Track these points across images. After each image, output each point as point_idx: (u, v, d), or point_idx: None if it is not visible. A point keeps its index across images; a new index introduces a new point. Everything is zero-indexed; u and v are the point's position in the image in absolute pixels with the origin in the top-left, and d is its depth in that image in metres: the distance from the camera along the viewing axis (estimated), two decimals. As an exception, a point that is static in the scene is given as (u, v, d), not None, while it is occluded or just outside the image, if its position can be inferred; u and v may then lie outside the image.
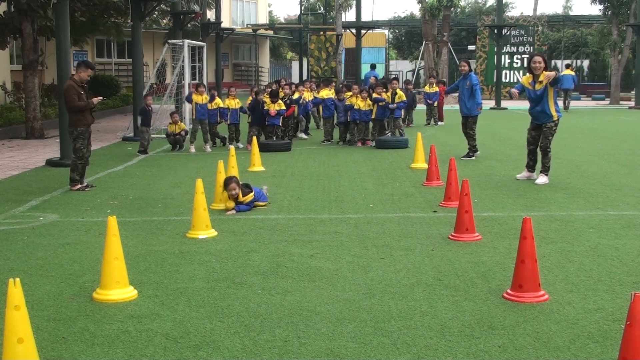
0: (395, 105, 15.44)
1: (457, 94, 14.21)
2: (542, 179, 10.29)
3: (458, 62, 14.65)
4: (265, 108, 15.27)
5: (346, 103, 16.00)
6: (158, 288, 5.47)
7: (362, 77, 28.36)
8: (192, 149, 15.01)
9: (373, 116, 15.64)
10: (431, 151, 10.32)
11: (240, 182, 8.57)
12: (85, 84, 10.14)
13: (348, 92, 16.31)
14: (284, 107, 15.44)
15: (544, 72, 10.05)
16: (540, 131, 10.30)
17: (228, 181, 8.42)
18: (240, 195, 8.40)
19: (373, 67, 29.54)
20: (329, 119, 16.97)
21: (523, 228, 5.05)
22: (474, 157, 13.30)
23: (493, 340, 4.37)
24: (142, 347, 4.30)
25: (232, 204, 8.42)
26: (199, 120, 15.05)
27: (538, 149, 10.40)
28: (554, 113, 10.15)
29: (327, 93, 17.18)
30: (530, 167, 10.57)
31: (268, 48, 52.72)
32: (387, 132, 15.88)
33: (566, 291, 5.30)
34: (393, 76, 25.16)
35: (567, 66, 32.16)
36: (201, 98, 15.02)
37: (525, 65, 10.86)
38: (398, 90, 15.64)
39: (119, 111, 26.83)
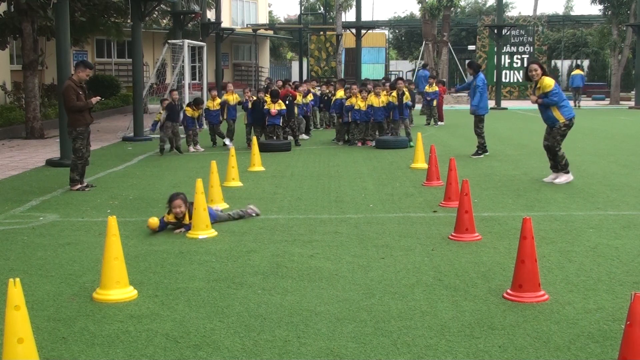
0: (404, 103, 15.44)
1: (458, 95, 14.37)
2: (561, 178, 10.24)
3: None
4: (265, 107, 15.27)
5: (346, 104, 16.03)
6: (158, 288, 5.47)
7: (415, 77, 28.54)
8: (191, 149, 15.05)
9: (390, 118, 15.64)
10: (431, 151, 10.33)
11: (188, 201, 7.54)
12: (84, 83, 10.14)
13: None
14: (284, 107, 15.44)
15: (543, 77, 10.08)
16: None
17: (174, 197, 7.47)
18: (187, 216, 7.38)
19: (425, 66, 30.03)
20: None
21: (523, 228, 5.05)
22: (482, 156, 13.42)
23: (493, 340, 4.37)
24: (142, 347, 4.30)
25: (154, 220, 7.37)
26: (190, 129, 15.14)
27: None
28: (559, 117, 10.08)
29: (341, 94, 17.23)
30: (554, 167, 10.45)
31: (268, 48, 52.70)
32: (387, 132, 15.91)
33: (566, 291, 5.30)
34: (398, 76, 24.75)
35: (577, 66, 35.24)
36: (196, 113, 15.19)
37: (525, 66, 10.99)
38: (405, 90, 15.61)
39: (119, 111, 26.82)
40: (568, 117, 10.11)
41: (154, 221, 7.38)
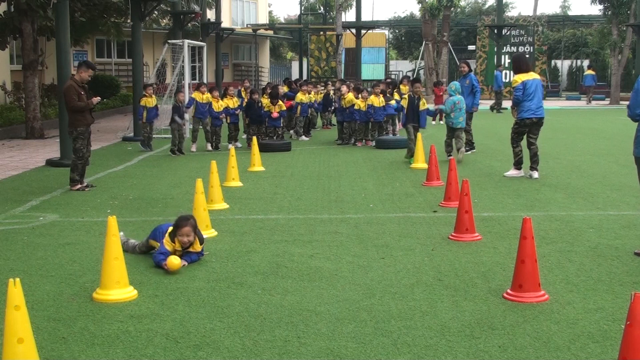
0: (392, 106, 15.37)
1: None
2: (510, 171, 10.92)
3: (458, 62, 14.62)
4: (265, 110, 15.25)
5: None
6: (158, 288, 5.47)
7: (494, 79, 29.37)
8: (193, 148, 15.00)
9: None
10: (431, 151, 10.33)
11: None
12: (85, 84, 10.14)
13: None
14: (284, 108, 15.42)
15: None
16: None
17: (183, 223, 6.10)
18: (198, 243, 6.20)
19: (497, 66, 30.95)
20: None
21: (523, 228, 5.05)
22: (469, 152, 13.70)
23: (493, 340, 4.37)
24: (142, 347, 4.30)
25: (177, 261, 5.89)
26: (199, 120, 14.97)
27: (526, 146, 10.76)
28: (514, 115, 10.76)
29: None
30: (533, 163, 10.80)
31: (268, 48, 52.69)
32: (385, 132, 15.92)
33: (566, 291, 5.30)
34: (414, 77, 23.94)
35: (589, 67, 38.37)
36: (202, 97, 14.88)
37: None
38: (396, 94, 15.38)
39: (119, 111, 26.82)
40: (519, 117, 10.54)
41: (176, 263, 5.88)
